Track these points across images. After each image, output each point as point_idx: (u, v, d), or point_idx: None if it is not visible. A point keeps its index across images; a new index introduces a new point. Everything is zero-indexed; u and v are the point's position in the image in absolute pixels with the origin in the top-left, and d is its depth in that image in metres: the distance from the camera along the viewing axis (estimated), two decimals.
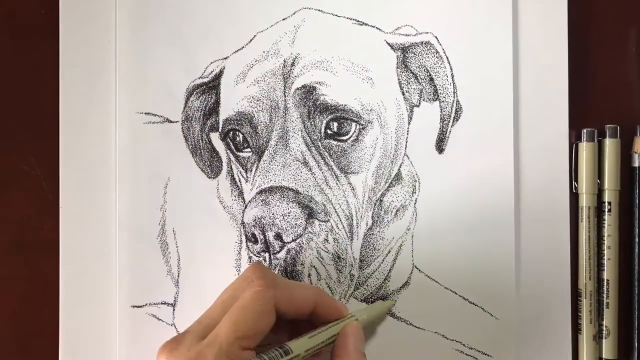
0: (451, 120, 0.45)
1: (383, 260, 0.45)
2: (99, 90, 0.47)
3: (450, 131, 0.45)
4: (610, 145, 0.45)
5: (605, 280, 0.45)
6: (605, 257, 0.45)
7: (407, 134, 0.45)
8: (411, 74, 0.45)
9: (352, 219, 0.44)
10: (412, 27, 0.45)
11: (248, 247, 0.45)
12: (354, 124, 0.44)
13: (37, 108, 0.47)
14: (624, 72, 0.47)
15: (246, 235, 0.45)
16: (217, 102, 0.46)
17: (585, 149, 0.45)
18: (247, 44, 0.46)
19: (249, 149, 0.45)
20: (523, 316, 0.45)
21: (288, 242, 0.44)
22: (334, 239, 0.44)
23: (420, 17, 0.45)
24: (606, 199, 0.45)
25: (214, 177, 0.46)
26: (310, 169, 0.44)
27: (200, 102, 0.46)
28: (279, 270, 0.44)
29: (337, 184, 0.44)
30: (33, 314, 0.47)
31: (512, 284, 0.44)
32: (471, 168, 0.45)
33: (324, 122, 0.44)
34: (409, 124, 0.45)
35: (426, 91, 0.45)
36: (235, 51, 0.46)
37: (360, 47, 0.45)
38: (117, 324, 0.46)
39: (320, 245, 0.44)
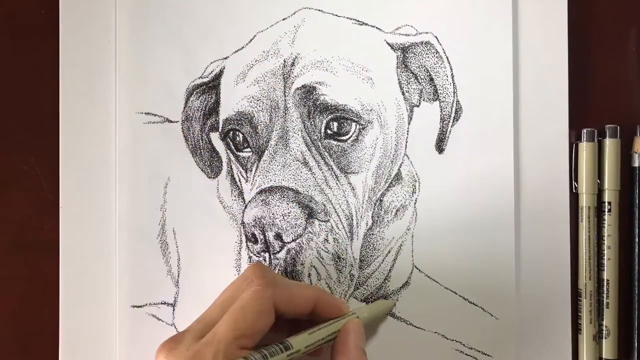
0: (451, 120, 0.45)
1: (383, 260, 0.45)
2: (99, 90, 0.47)
3: (450, 131, 0.45)
4: (610, 145, 0.45)
5: (605, 280, 0.45)
6: (605, 257, 0.45)
7: (407, 134, 0.45)
8: (411, 74, 0.45)
9: (352, 219, 0.44)
10: (412, 27, 0.45)
11: (248, 247, 0.45)
12: (354, 124, 0.44)
13: (37, 108, 0.47)
14: (624, 72, 0.47)
15: (246, 235, 0.45)
16: (217, 102, 0.46)
17: (585, 149, 0.45)
18: (247, 44, 0.46)
19: (249, 149, 0.45)
20: (523, 316, 0.45)
21: (288, 242, 0.44)
22: (334, 239, 0.44)
23: (420, 17, 0.45)
24: (606, 199, 0.45)
25: (214, 177, 0.46)
26: (310, 169, 0.44)
27: (200, 102, 0.46)
28: (279, 270, 0.44)
29: (337, 184, 0.44)
30: (33, 314, 0.47)
31: (512, 284, 0.44)
32: (471, 168, 0.45)
33: (324, 122, 0.44)
34: (409, 124, 0.45)
35: (426, 91, 0.45)
36: (235, 51, 0.46)
37: (360, 47, 0.45)
38: (117, 324, 0.46)
39: (320, 245, 0.44)
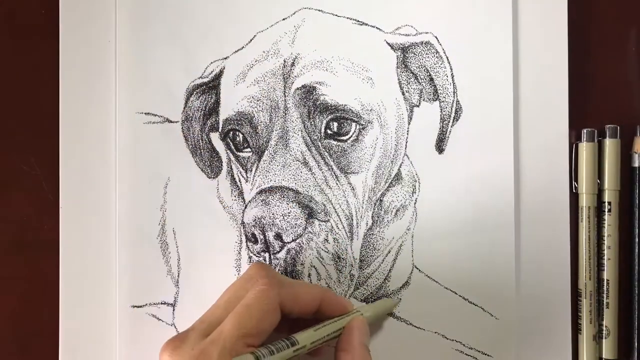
0: (451, 120, 0.45)
1: (383, 260, 0.45)
2: (99, 90, 0.47)
3: (450, 131, 0.45)
4: (610, 145, 0.45)
5: (605, 280, 0.45)
6: (605, 257, 0.45)
7: (407, 134, 0.45)
8: (411, 74, 0.45)
9: (352, 219, 0.44)
10: (412, 27, 0.45)
11: (248, 247, 0.45)
12: (354, 124, 0.44)
13: (37, 108, 0.47)
14: (624, 72, 0.47)
15: (246, 235, 0.45)
16: (217, 102, 0.46)
17: (585, 149, 0.45)
18: (247, 44, 0.46)
19: (249, 149, 0.45)
20: (523, 316, 0.45)
21: (288, 242, 0.44)
22: (334, 239, 0.44)
23: (420, 17, 0.45)
24: (606, 199, 0.45)
25: (214, 177, 0.46)
26: (310, 169, 0.44)
27: (200, 102, 0.46)
28: (279, 270, 0.44)
29: (337, 184, 0.44)
30: (33, 314, 0.47)
31: (512, 284, 0.44)
32: (471, 168, 0.45)
33: (324, 122, 0.44)
34: (409, 124, 0.45)
35: (426, 91, 0.45)
36: (235, 51, 0.46)
37: (360, 47, 0.45)
38: (117, 324, 0.46)
39: (320, 245, 0.44)
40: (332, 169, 0.44)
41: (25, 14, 0.48)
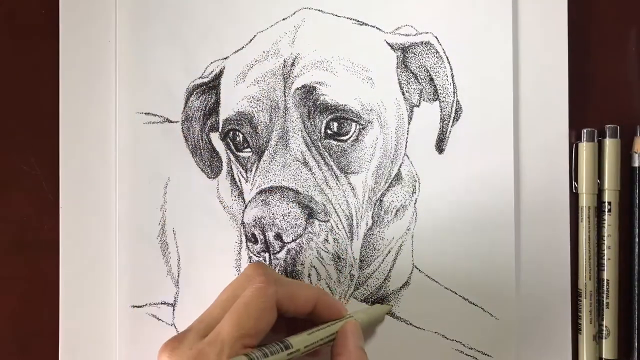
0: (451, 120, 0.45)
1: (383, 261, 0.45)
2: (99, 90, 0.47)
3: (450, 131, 0.45)
4: (610, 145, 0.45)
5: (605, 280, 0.45)
6: (605, 257, 0.45)
7: (407, 134, 0.45)
8: (411, 74, 0.45)
9: (352, 219, 0.44)
10: (412, 27, 0.45)
11: (248, 247, 0.45)
12: (354, 124, 0.44)
13: (37, 108, 0.47)
14: (624, 72, 0.47)
15: (246, 235, 0.45)
16: (217, 102, 0.46)
17: (585, 149, 0.45)
18: (247, 44, 0.46)
19: (249, 149, 0.45)
20: (523, 316, 0.45)
21: (288, 242, 0.44)
22: (334, 239, 0.44)
23: (420, 17, 0.45)
24: (606, 199, 0.45)
25: (214, 177, 0.46)
26: (310, 169, 0.44)
27: (200, 102, 0.46)
28: (279, 270, 0.44)
29: (337, 184, 0.44)
30: (33, 314, 0.47)
31: (512, 284, 0.44)
32: (471, 168, 0.45)
33: (324, 122, 0.44)
34: (409, 124, 0.45)
35: (426, 91, 0.45)
36: (235, 51, 0.46)
37: (360, 47, 0.45)
38: (117, 324, 0.46)
39: (320, 246, 0.44)
40: (332, 169, 0.44)
41: (25, 14, 0.48)
